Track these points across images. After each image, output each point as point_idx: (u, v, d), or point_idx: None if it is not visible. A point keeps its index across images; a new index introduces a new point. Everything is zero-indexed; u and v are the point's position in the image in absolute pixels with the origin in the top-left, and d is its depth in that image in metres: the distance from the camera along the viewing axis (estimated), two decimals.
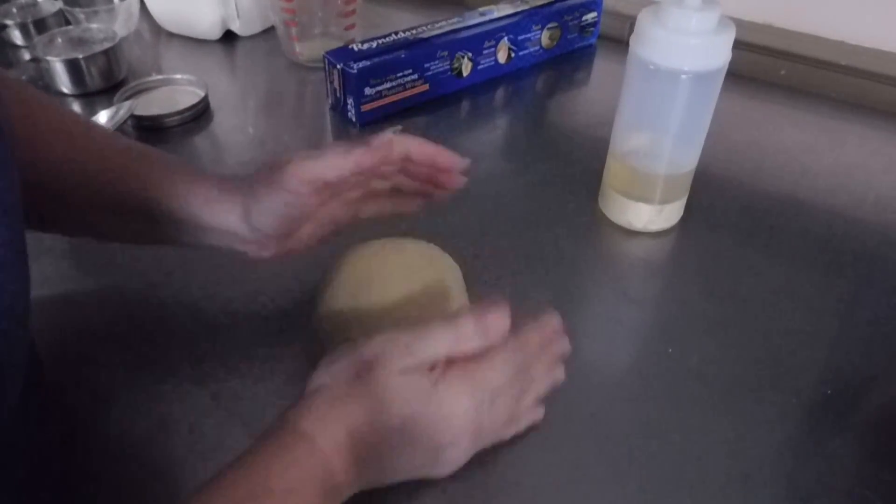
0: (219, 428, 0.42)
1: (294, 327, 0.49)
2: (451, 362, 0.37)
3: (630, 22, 0.51)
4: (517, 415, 0.40)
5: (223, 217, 0.43)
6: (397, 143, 0.44)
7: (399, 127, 0.45)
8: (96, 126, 0.48)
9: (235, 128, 0.73)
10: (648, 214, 0.56)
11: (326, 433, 0.34)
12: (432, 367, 0.36)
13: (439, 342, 0.36)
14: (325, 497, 0.33)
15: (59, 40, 0.79)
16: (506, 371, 0.38)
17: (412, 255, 0.47)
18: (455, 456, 0.38)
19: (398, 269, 0.45)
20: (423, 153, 0.45)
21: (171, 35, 0.90)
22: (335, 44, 0.78)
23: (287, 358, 0.47)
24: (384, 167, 0.45)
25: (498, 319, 0.37)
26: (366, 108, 0.70)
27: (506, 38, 0.78)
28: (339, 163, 0.42)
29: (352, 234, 0.48)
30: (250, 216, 0.42)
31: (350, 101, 0.70)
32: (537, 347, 0.41)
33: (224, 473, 0.32)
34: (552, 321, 0.42)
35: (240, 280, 0.53)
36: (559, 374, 0.43)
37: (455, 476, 0.40)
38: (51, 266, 0.53)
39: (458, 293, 0.46)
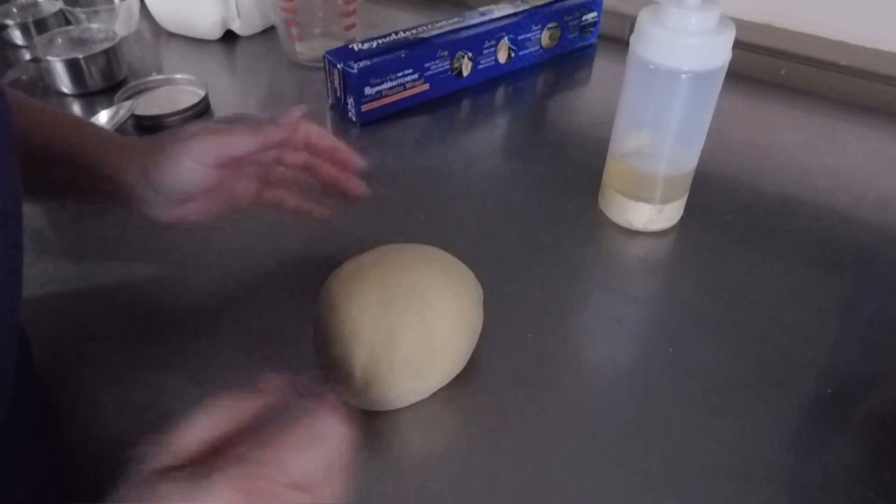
0: None
1: (295, 326, 0.49)
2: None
3: (630, 22, 0.51)
4: None
5: (121, 169, 0.44)
6: (301, 125, 0.47)
7: (304, 106, 0.48)
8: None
9: None
10: (648, 214, 0.56)
11: None
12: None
13: None
14: None
15: (60, 40, 0.79)
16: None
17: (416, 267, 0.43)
18: None
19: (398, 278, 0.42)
20: (324, 141, 0.48)
21: (172, 35, 0.90)
22: (335, 44, 0.78)
23: (288, 356, 0.47)
24: (289, 157, 0.49)
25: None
26: (366, 107, 0.70)
27: (506, 38, 0.78)
28: (246, 139, 0.44)
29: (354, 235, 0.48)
30: (148, 175, 0.44)
31: (350, 100, 0.70)
32: None
33: None
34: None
35: (241, 279, 0.53)
36: None
37: (453, 476, 0.40)
38: (50, 265, 0.53)
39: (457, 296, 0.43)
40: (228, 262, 0.54)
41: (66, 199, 0.54)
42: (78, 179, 0.46)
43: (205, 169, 0.44)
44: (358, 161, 0.50)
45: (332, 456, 0.31)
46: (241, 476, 0.28)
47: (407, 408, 0.43)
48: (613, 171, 0.57)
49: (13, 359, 0.34)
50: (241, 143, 0.44)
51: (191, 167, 0.43)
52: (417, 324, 0.41)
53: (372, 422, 0.42)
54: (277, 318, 0.49)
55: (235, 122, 0.46)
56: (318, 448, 0.30)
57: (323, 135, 0.49)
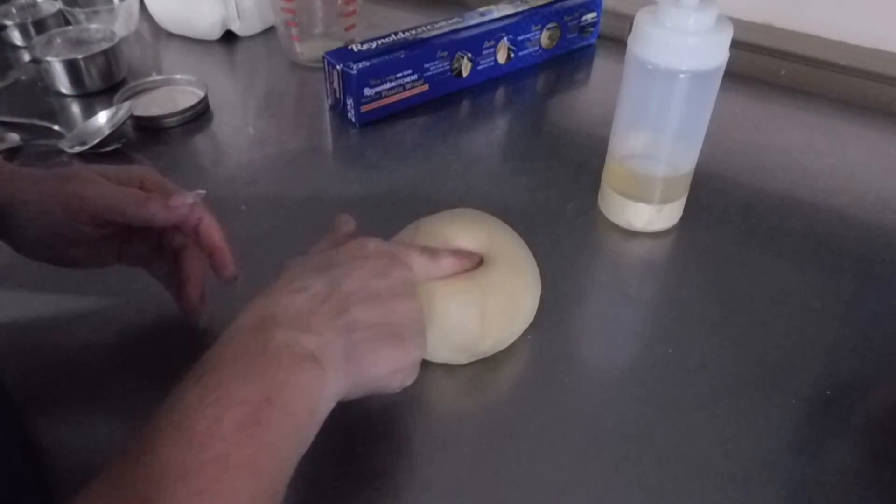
0: None
1: None
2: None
3: (630, 22, 0.51)
4: None
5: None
6: (194, 213, 0.44)
7: (203, 192, 0.44)
8: None
9: (235, 128, 0.73)
10: (648, 215, 0.56)
11: (321, 343, 0.34)
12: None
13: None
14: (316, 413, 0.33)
15: (58, 41, 0.79)
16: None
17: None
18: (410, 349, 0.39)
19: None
20: (212, 238, 0.44)
21: (171, 35, 0.90)
22: (335, 44, 0.78)
23: None
24: (168, 237, 0.45)
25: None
26: (365, 108, 0.70)
27: (505, 39, 0.78)
28: (132, 210, 0.41)
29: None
30: (25, 207, 0.41)
31: (350, 101, 0.70)
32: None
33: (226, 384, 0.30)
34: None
35: (240, 280, 0.53)
36: None
37: (453, 476, 0.40)
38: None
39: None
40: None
41: None
42: None
43: (79, 226, 0.42)
44: (231, 271, 0.45)
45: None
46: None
47: (404, 408, 0.43)
48: (613, 171, 0.57)
49: None
50: (124, 212, 0.41)
51: (64, 221, 0.41)
52: (504, 269, 0.46)
53: (363, 429, 0.42)
54: None
55: (133, 177, 0.43)
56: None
57: (212, 230, 0.44)
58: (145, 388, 0.45)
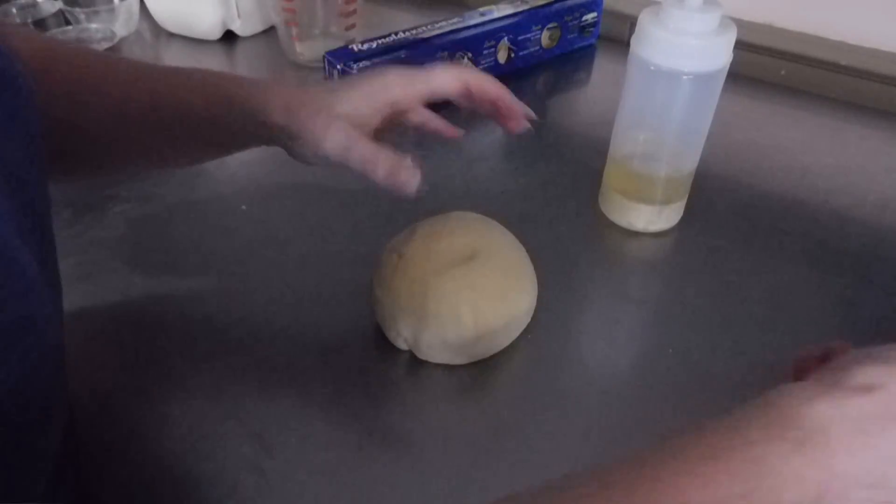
0: (219, 427, 0.42)
1: (290, 328, 0.49)
2: None
3: (630, 22, 0.51)
4: None
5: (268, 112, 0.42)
6: (457, 78, 0.48)
7: (467, 58, 0.47)
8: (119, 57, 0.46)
9: None
10: (648, 215, 0.56)
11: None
12: None
13: None
14: None
15: None
16: None
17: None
18: None
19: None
20: (483, 92, 0.48)
21: (171, 35, 0.90)
22: (336, 44, 0.78)
23: (285, 357, 0.47)
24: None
25: None
26: None
27: (506, 39, 0.78)
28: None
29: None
30: (294, 131, 0.42)
31: None
32: None
33: None
34: None
35: (239, 280, 0.53)
36: None
37: (453, 476, 0.40)
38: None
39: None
40: (230, 262, 0.54)
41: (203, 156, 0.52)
42: (226, 137, 0.46)
43: (364, 118, 0.45)
44: (523, 111, 0.48)
45: None
46: None
47: (404, 408, 0.43)
48: (614, 172, 0.57)
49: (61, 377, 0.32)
50: (403, 96, 0.47)
51: (338, 130, 0.42)
52: (498, 270, 0.46)
53: (364, 428, 0.43)
54: (275, 315, 0.49)
55: (385, 73, 0.47)
56: None
57: (483, 84, 0.48)
58: (177, 364, 0.45)
